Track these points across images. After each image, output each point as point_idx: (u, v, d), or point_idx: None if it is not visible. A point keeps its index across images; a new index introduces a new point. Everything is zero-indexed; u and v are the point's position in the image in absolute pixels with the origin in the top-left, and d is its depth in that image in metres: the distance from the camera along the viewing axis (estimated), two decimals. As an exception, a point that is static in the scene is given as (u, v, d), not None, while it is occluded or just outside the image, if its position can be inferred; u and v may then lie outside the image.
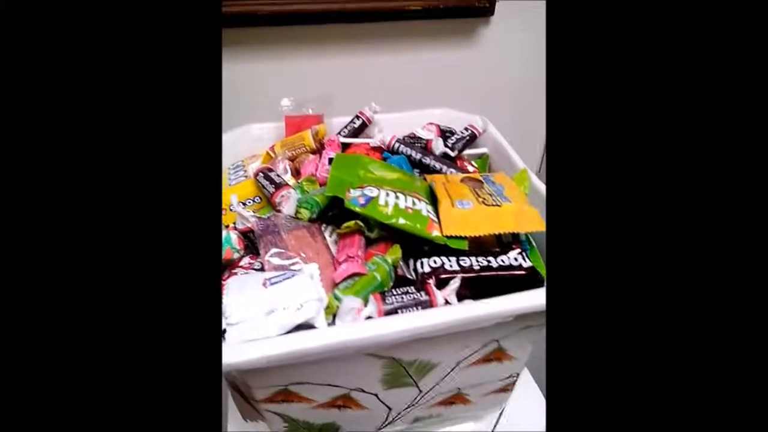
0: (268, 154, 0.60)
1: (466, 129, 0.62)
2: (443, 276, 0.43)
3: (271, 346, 0.35)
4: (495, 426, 0.62)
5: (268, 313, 0.36)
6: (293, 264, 0.42)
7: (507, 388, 0.53)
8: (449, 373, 0.46)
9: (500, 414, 0.63)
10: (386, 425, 0.51)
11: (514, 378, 0.52)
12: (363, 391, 0.44)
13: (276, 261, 0.42)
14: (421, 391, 0.47)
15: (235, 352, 0.34)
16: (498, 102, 0.86)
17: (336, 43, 0.75)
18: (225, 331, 0.36)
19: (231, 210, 0.51)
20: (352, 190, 0.45)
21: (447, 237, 0.44)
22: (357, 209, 0.44)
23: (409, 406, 0.49)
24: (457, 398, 0.51)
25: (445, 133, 0.63)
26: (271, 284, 0.38)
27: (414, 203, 0.46)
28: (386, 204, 0.44)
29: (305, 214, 0.48)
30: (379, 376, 0.43)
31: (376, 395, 0.45)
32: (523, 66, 0.85)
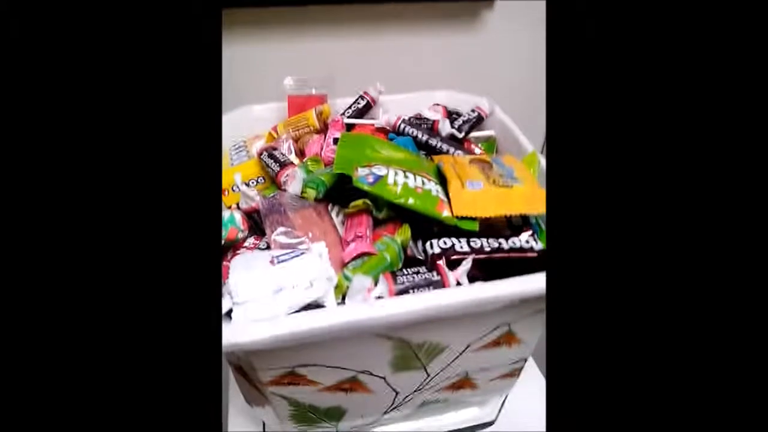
0: (270, 134, 0.58)
1: (473, 111, 0.61)
2: (454, 257, 0.42)
3: (280, 325, 0.34)
4: (499, 411, 0.61)
5: (277, 292, 0.35)
6: (300, 243, 0.41)
7: (514, 373, 0.53)
8: (458, 356, 0.45)
9: (504, 399, 0.62)
10: (392, 410, 0.50)
11: (522, 363, 0.52)
12: (371, 374, 0.43)
13: (283, 240, 0.41)
14: (428, 375, 0.46)
15: (241, 331, 0.33)
16: (501, 86, 0.85)
17: (337, 24, 0.73)
18: (231, 310, 0.35)
19: (234, 190, 0.50)
20: (360, 169, 0.44)
21: (458, 218, 0.43)
22: (366, 188, 0.43)
23: (416, 390, 0.48)
24: (464, 383, 0.50)
25: (451, 115, 0.61)
26: (279, 262, 0.36)
27: (423, 183, 0.45)
28: (395, 183, 0.43)
29: (311, 193, 0.47)
30: (388, 358, 0.42)
31: (383, 378, 0.45)
32: (526, 50, 0.84)
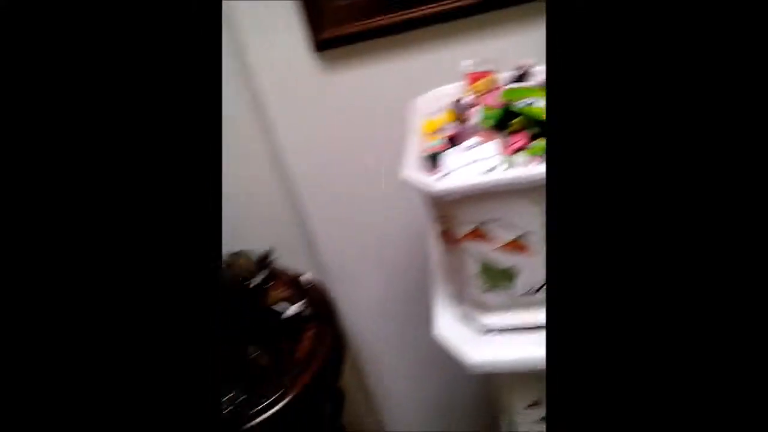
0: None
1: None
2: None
3: (468, 179, 0.59)
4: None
5: (468, 164, 0.60)
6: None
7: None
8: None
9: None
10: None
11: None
12: (532, 234, 0.64)
13: (470, 143, 0.66)
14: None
15: (449, 182, 0.59)
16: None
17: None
18: (445, 175, 0.61)
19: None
20: (517, 101, 0.67)
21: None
22: (520, 109, 0.65)
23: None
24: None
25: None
26: (468, 149, 0.62)
27: (564, 103, 0.65)
28: (542, 107, 0.65)
29: (488, 123, 0.71)
30: (539, 222, 0.62)
31: (539, 241, 0.64)
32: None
